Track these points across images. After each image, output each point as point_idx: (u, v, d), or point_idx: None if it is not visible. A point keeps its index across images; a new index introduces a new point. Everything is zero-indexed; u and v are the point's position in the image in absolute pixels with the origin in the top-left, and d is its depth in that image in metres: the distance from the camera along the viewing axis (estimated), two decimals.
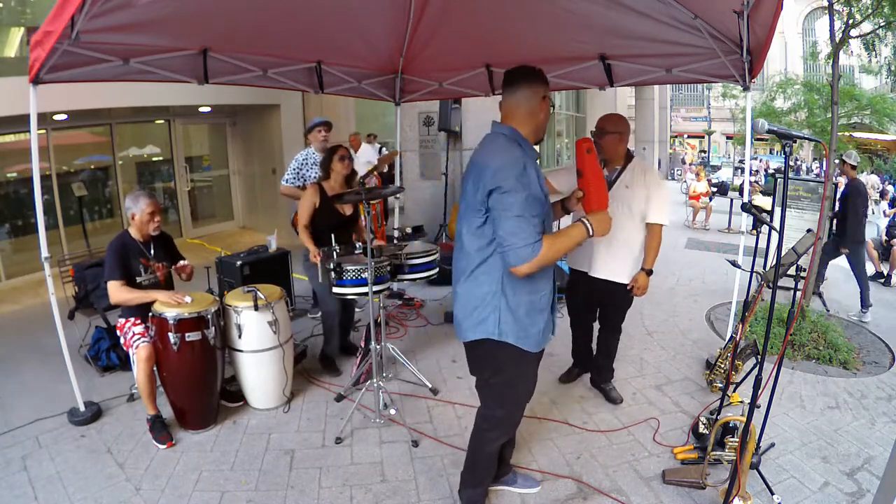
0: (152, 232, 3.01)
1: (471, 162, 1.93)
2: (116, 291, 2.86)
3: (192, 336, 2.80)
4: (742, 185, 5.09)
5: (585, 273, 3.15)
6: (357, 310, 4.80)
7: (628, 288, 3.05)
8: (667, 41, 3.40)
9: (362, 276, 2.97)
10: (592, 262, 3.09)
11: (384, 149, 6.80)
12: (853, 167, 5.28)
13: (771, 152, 25.37)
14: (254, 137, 8.65)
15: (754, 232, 7.13)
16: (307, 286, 4.39)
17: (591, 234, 1.90)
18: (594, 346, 3.42)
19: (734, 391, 3.06)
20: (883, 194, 10.78)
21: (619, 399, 3.28)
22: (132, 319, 2.97)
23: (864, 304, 5.03)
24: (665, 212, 3.02)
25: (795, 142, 1.92)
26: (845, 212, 5.19)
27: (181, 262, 3.16)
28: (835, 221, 5.47)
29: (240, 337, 3.04)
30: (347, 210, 3.54)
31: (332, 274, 3.03)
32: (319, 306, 3.64)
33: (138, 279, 2.97)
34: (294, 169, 4.46)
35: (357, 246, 3.46)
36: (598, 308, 3.32)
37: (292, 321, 3.70)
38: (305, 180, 4.43)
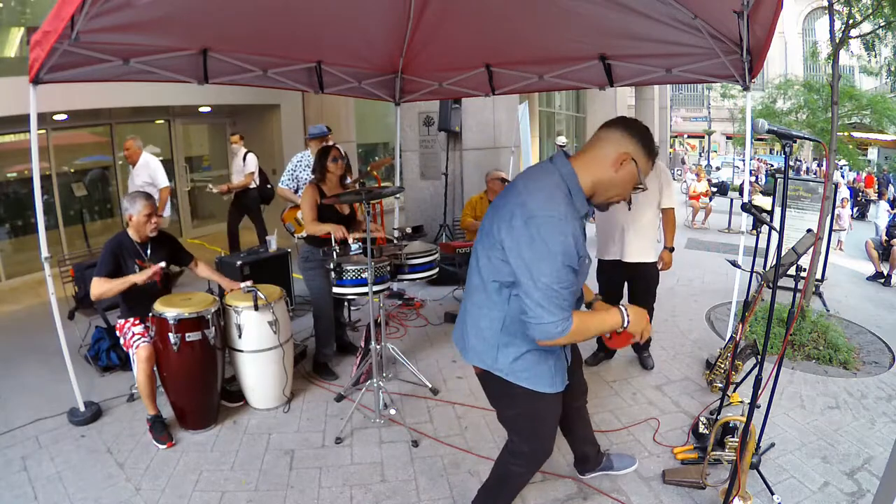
0: (150, 233, 3.01)
1: (513, 187, 1.65)
2: (95, 286, 2.86)
3: (192, 336, 2.80)
4: (742, 185, 5.09)
5: (617, 260, 3.53)
6: (356, 309, 4.80)
7: (657, 265, 3.54)
8: (667, 41, 3.40)
9: (362, 276, 2.97)
10: (624, 249, 3.49)
11: (248, 156, 6.09)
12: None
13: (771, 152, 25.39)
14: (254, 137, 8.63)
15: (754, 232, 7.13)
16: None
17: (624, 325, 1.68)
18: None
19: (734, 391, 3.06)
20: (881, 194, 10.78)
21: (651, 365, 3.72)
22: (132, 319, 2.97)
23: None
24: (675, 197, 3.63)
25: (795, 142, 1.92)
26: None
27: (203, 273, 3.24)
28: None
29: (240, 337, 3.04)
30: (345, 209, 3.54)
31: (332, 274, 3.03)
32: (313, 310, 3.63)
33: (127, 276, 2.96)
34: (290, 170, 4.48)
35: (357, 246, 3.46)
36: (622, 291, 3.66)
37: (292, 321, 3.70)
38: (299, 182, 4.43)
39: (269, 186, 6.30)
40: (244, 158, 6.16)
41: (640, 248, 3.48)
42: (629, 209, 3.32)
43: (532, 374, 1.72)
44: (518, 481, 1.99)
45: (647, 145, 1.60)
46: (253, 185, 6.01)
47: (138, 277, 2.88)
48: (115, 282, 2.88)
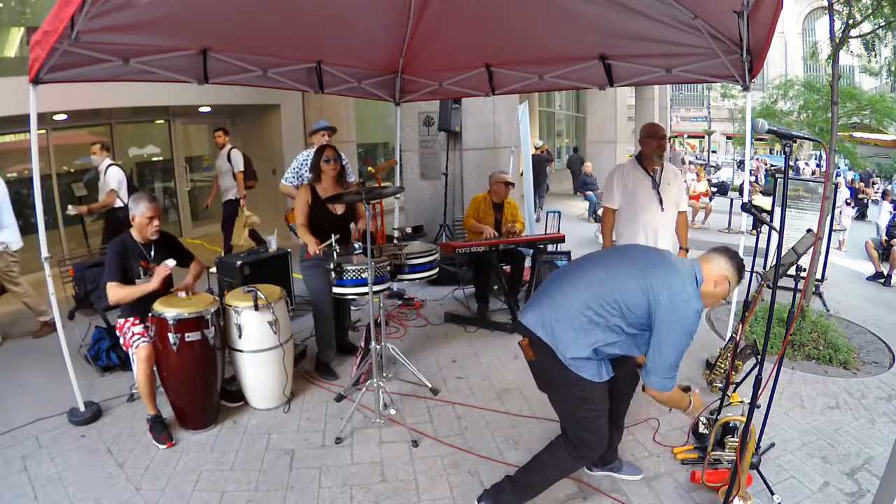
0: (151, 237, 3.01)
1: (659, 256, 2.10)
2: (113, 291, 2.87)
3: (191, 336, 2.80)
4: (742, 184, 5.09)
5: None
6: (356, 309, 4.80)
7: None
8: (667, 41, 3.41)
9: (362, 276, 2.97)
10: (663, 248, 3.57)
11: (232, 153, 5.92)
12: None
13: (771, 152, 25.37)
14: (254, 137, 8.65)
15: (754, 232, 7.13)
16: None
17: (686, 409, 2.25)
18: None
19: (734, 391, 3.06)
20: (885, 195, 10.77)
21: None
22: (131, 319, 2.97)
23: None
24: (687, 201, 3.85)
25: (795, 142, 1.92)
26: None
27: (186, 280, 3.18)
28: None
29: (240, 337, 3.04)
30: (339, 209, 3.53)
31: (332, 274, 3.03)
32: (313, 310, 3.63)
33: (137, 281, 2.97)
34: (294, 169, 4.47)
35: (357, 246, 3.46)
36: None
37: (292, 321, 3.70)
38: (304, 180, 4.42)
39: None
40: (229, 157, 6.01)
41: (667, 247, 3.57)
42: (662, 209, 3.56)
43: (590, 365, 2.02)
44: (566, 468, 2.22)
45: (740, 272, 2.08)
46: (119, 205, 5.18)
47: (152, 284, 2.89)
48: (133, 289, 2.90)
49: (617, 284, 1.98)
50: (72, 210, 5.13)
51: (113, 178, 5.16)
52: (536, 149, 11.02)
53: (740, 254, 3.40)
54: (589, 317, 1.97)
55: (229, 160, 6.05)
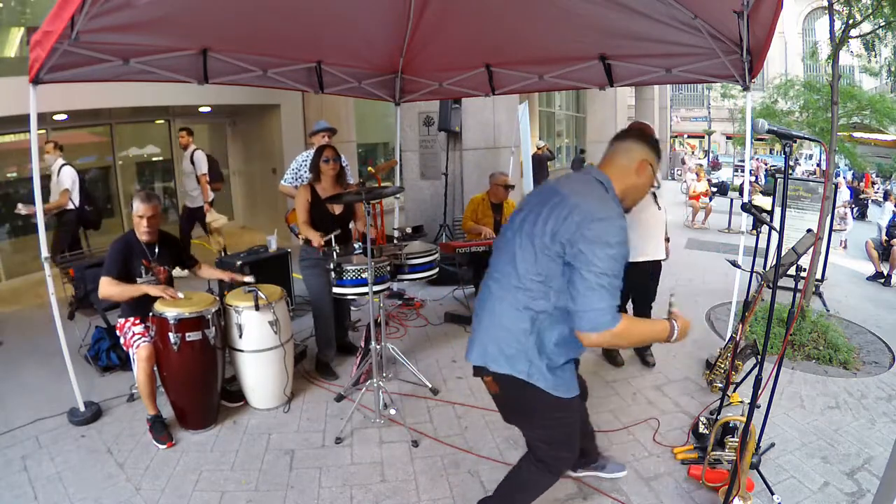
0: (142, 236, 2.98)
1: (553, 190, 1.74)
2: (105, 286, 2.86)
3: (192, 336, 2.80)
4: (742, 184, 5.09)
5: (645, 260, 3.58)
6: (356, 309, 4.80)
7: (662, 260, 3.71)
8: (667, 41, 3.41)
9: (362, 276, 2.97)
10: (657, 248, 3.64)
11: (196, 154, 5.70)
12: None
13: (771, 152, 25.38)
14: (254, 137, 8.65)
15: (754, 232, 7.13)
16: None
17: (671, 338, 1.74)
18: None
19: (734, 391, 3.06)
20: (887, 195, 10.76)
21: (652, 363, 3.80)
22: (132, 319, 2.97)
23: None
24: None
25: (795, 142, 1.92)
26: None
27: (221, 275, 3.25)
28: None
29: (240, 337, 3.04)
30: (337, 209, 3.54)
31: (332, 274, 3.03)
32: (312, 310, 3.63)
33: (138, 280, 2.96)
34: (294, 170, 4.47)
35: (357, 246, 3.46)
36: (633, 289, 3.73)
37: (292, 321, 3.70)
38: (303, 181, 4.42)
39: (88, 208, 5.21)
40: (192, 158, 5.80)
41: (660, 246, 3.67)
42: (659, 209, 3.58)
43: (562, 382, 1.75)
44: (545, 488, 2.00)
45: (658, 150, 1.82)
46: (71, 207, 4.96)
47: (153, 290, 2.88)
48: (127, 287, 2.89)
49: (530, 268, 1.68)
50: (22, 209, 4.80)
51: (66, 179, 4.98)
52: (538, 148, 11.53)
53: (740, 254, 3.44)
54: (527, 320, 1.68)
55: (192, 162, 5.79)
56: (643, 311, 3.84)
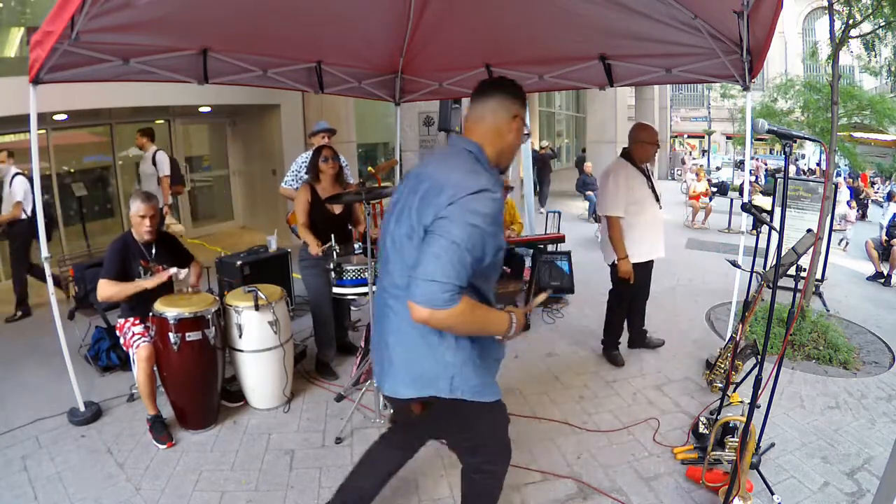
0: (144, 236, 2.99)
1: (421, 175, 1.54)
2: (103, 288, 2.87)
3: (192, 336, 2.80)
4: (742, 184, 5.09)
5: (649, 260, 3.66)
6: (356, 309, 4.80)
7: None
8: (667, 41, 3.41)
9: (362, 276, 2.97)
10: (663, 245, 3.70)
11: (158, 155, 5.52)
12: None
13: (771, 152, 25.40)
14: (254, 137, 8.65)
15: (754, 232, 7.13)
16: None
17: (508, 332, 1.56)
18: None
19: (734, 391, 3.06)
20: (890, 196, 10.76)
21: (658, 343, 4.04)
22: (132, 319, 2.97)
23: None
24: None
25: (795, 142, 1.92)
26: None
27: (190, 280, 3.18)
28: None
29: (240, 337, 3.04)
30: (337, 209, 3.54)
31: (332, 274, 3.03)
32: (312, 311, 3.63)
33: (137, 280, 2.96)
34: (294, 171, 4.48)
35: (357, 246, 3.46)
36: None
37: (292, 320, 3.70)
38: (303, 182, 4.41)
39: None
40: (154, 160, 5.59)
41: (662, 242, 3.72)
42: (660, 206, 3.62)
43: (488, 384, 1.60)
44: (498, 492, 1.86)
45: (523, 97, 1.62)
46: (23, 217, 4.69)
47: (149, 283, 2.88)
48: (125, 286, 2.89)
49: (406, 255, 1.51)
50: None
51: (18, 190, 4.73)
52: (542, 147, 12.03)
53: (740, 254, 3.44)
54: (434, 330, 1.49)
55: (154, 164, 5.58)
56: (640, 308, 3.90)
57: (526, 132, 1.63)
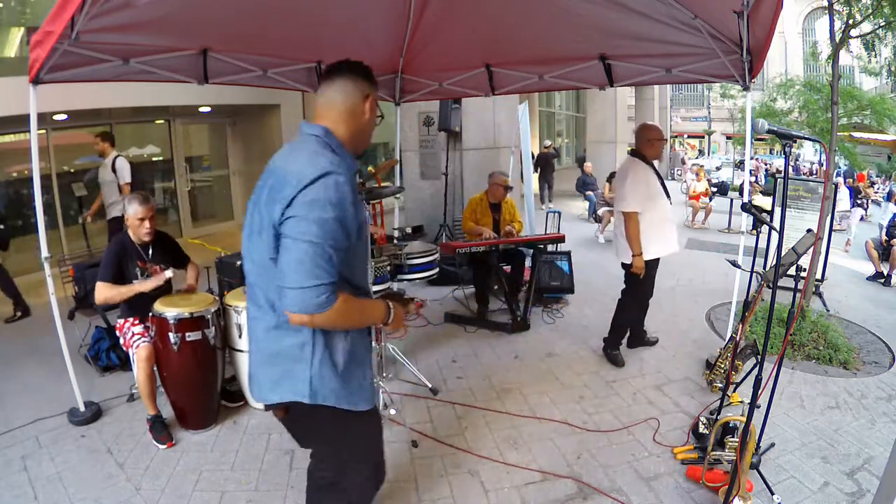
0: (143, 238, 2.99)
1: (269, 168, 1.47)
2: (100, 291, 2.88)
3: (192, 336, 2.80)
4: (742, 184, 5.10)
5: (657, 258, 3.68)
6: None
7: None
8: (667, 41, 3.41)
9: None
10: (676, 240, 3.74)
11: (118, 161, 5.24)
12: None
13: (771, 152, 25.41)
14: (254, 137, 8.66)
15: (754, 232, 7.13)
16: None
17: (387, 322, 1.56)
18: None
19: (734, 391, 3.06)
20: (890, 196, 10.76)
21: (655, 340, 4.11)
22: (131, 319, 2.97)
23: None
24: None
25: (795, 142, 1.92)
26: None
27: (188, 281, 3.19)
28: None
29: (240, 337, 3.04)
30: None
31: None
32: None
33: (135, 282, 2.96)
34: None
35: None
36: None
37: None
38: None
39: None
40: (114, 166, 5.28)
41: (676, 237, 3.76)
42: (671, 202, 3.67)
43: (347, 393, 1.47)
44: None
45: (372, 77, 1.58)
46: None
47: (145, 286, 2.89)
48: (122, 289, 2.90)
49: (266, 266, 1.42)
50: None
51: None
52: (545, 147, 12.62)
53: (740, 254, 3.44)
54: (292, 334, 1.42)
55: (114, 170, 5.31)
56: (645, 303, 3.93)
57: (379, 114, 1.61)
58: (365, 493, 1.67)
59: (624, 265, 3.68)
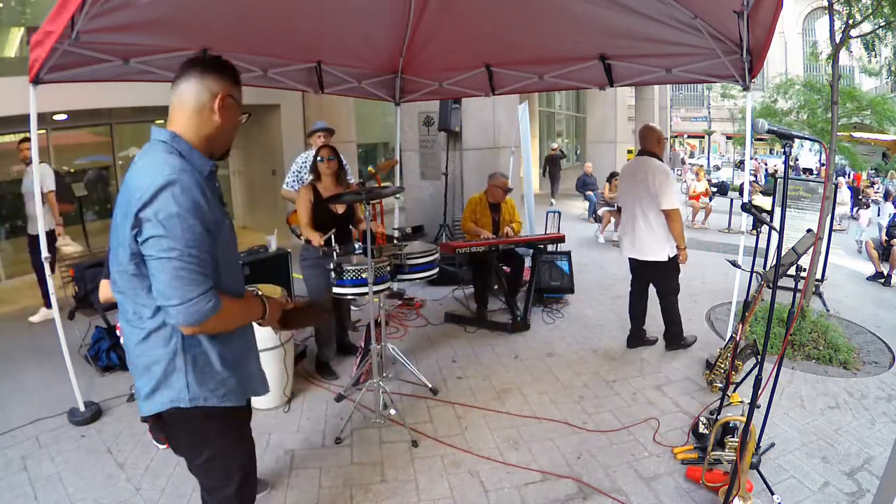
0: None
1: (124, 184, 1.38)
2: (104, 290, 2.86)
3: None
4: (742, 184, 5.10)
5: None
6: (356, 309, 4.80)
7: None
8: (667, 41, 3.41)
9: (362, 276, 2.97)
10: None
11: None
12: None
13: (771, 152, 25.41)
14: (254, 137, 8.66)
15: (754, 232, 7.13)
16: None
17: (264, 316, 1.56)
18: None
19: (734, 391, 3.06)
20: (887, 195, 10.75)
21: (654, 339, 4.15)
22: None
23: None
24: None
25: (794, 141, 1.92)
26: None
27: None
28: None
29: None
30: (340, 209, 3.53)
31: (333, 274, 3.03)
32: None
33: None
34: (294, 172, 4.47)
35: (357, 246, 3.45)
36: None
37: None
38: (304, 183, 4.43)
39: None
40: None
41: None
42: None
43: (223, 390, 1.46)
44: None
45: (233, 75, 1.52)
46: None
47: None
48: None
49: (135, 282, 1.37)
50: None
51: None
52: (552, 149, 13.67)
53: (740, 254, 3.44)
54: (160, 342, 1.39)
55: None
56: (644, 307, 4.03)
57: (243, 115, 1.54)
58: (248, 497, 1.66)
59: (653, 263, 3.75)
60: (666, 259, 3.71)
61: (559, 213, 7.37)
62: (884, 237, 7.06)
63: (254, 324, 1.61)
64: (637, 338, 4.05)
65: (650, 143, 3.73)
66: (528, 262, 5.06)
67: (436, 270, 3.41)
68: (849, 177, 14.93)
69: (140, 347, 1.41)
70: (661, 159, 3.73)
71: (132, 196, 1.29)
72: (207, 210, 1.33)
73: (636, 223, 3.75)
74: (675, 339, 4.01)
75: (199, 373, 1.42)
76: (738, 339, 2.83)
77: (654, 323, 4.18)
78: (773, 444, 2.76)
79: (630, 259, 3.94)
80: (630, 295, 4.06)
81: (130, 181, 1.33)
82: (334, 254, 3.07)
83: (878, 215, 9.95)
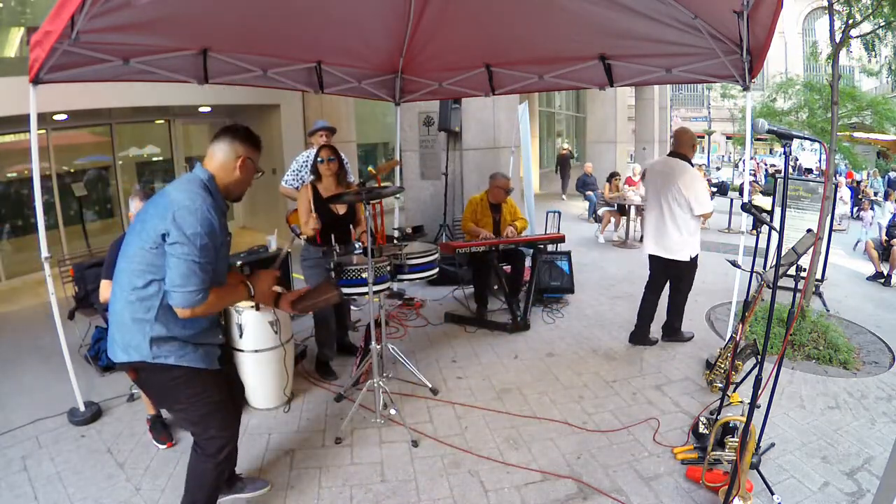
0: None
1: (162, 192, 1.89)
2: (105, 289, 2.87)
3: None
4: (742, 184, 5.10)
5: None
6: (357, 309, 4.80)
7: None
8: (667, 41, 3.41)
9: (362, 275, 2.97)
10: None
11: None
12: None
13: (770, 152, 25.41)
14: None
15: (754, 232, 7.13)
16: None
17: (251, 296, 2.05)
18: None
19: (734, 391, 3.06)
20: (887, 195, 10.74)
21: (655, 340, 4.18)
22: None
23: None
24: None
25: (793, 141, 1.93)
26: None
27: None
28: None
29: (241, 336, 3.04)
30: (341, 209, 3.53)
31: (332, 274, 3.03)
32: (313, 311, 3.62)
33: None
34: (294, 170, 4.46)
35: (357, 246, 3.45)
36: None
37: (293, 320, 3.70)
38: (304, 182, 4.43)
39: None
40: None
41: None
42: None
43: (186, 354, 1.89)
44: (212, 476, 2.09)
45: (256, 143, 2.03)
46: None
47: None
48: None
49: (140, 265, 1.82)
50: None
51: None
52: (563, 149, 14.80)
53: (740, 254, 3.44)
54: (141, 309, 1.82)
55: None
56: (653, 308, 4.13)
57: (258, 174, 2.05)
58: (210, 449, 2.06)
59: (676, 261, 3.82)
60: (688, 259, 3.80)
61: (559, 213, 7.37)
62: (884, 237, 7.06)
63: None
64: (641, 336, 4.06)
65: (684, 146, 3.81)
66: (528, 262, 5.06)
67: (436, 270, 3.41)
68: (841, 175, 14.93)
69: (126, 307, 1.84)
70: (692, 163, 3.78)
71: (171, 207, 1.78)
72: (218, 234, 1.85)
73: (664, 223, 3.79)
74: (675, 332, 4.06)
75: (162, 338, 1.84)
76: (738, 339, 2.83)
77: (656, 323, 4.18)
78: (773, 444, 2.76)
79: (652, 256, 3.97)
80: (645, 292, 4.09)
81: (170, 195, 1.83)
82: (334, 253, 3.07)
83: (874, 213, 9.95)
